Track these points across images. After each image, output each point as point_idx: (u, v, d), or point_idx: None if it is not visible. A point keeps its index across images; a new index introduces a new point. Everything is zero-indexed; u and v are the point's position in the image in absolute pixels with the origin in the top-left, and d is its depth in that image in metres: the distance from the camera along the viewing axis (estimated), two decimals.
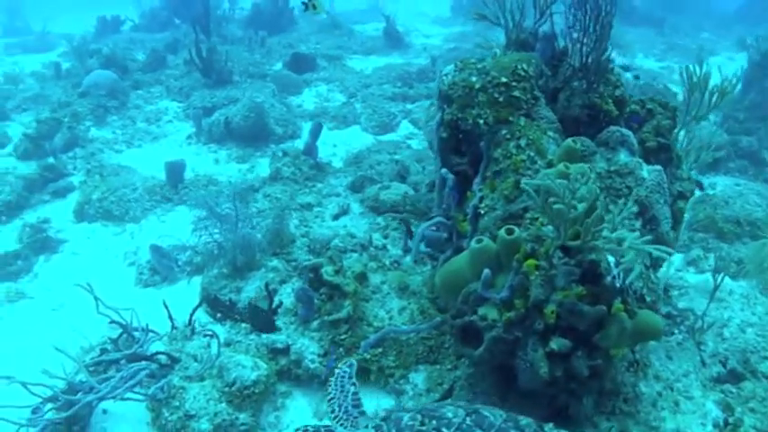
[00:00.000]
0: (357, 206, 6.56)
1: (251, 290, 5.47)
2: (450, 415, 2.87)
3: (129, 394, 4.47)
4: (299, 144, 8.40)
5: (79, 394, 4.45)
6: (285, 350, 4.81)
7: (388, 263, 5.41)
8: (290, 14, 16.18)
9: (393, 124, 9.57)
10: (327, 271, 5.03)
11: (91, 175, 7.91)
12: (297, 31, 15.73)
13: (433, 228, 5.23)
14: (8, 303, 6.00)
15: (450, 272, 4.15)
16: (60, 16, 20.54)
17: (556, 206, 3.51)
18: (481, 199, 4.71)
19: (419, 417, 2.92)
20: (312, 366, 4.66)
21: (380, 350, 4.54)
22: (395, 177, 7.19)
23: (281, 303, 5.20)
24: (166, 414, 4.37)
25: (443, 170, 5.15)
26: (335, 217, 6.43)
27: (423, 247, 5.40)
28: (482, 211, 4.64)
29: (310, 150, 8.07)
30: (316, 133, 8.30)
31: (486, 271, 3.86)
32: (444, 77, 5.06)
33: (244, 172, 8.31)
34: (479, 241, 4.00)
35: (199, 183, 7.87)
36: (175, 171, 7.90)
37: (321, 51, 13.08)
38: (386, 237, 5.85)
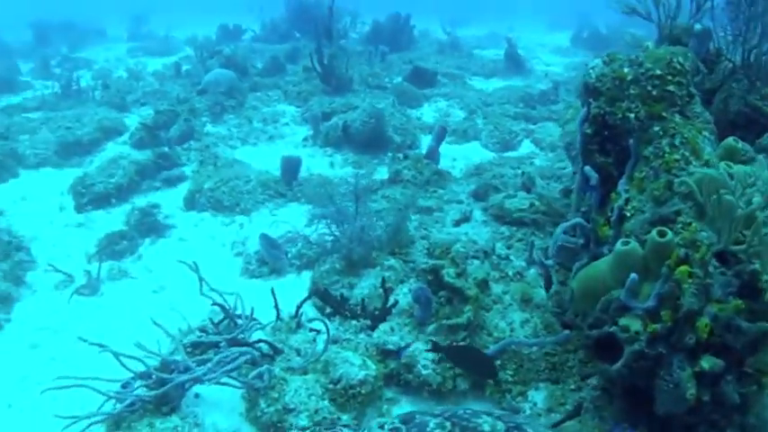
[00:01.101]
0: (480, 214, 6.78)
1: (365, 287, 5.58)
2: (487, 428, 2.75)
3: (225, 379, 4.48)
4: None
5: (173, 374, 4.50)
6: (397, 352, 4.77)
7: (510, 273, 5.54)
8: (410, 33, 17.39)
9: (514, 142, 9.86)
10: (449, 273, 5.03)
11: (204, 165, 8.52)
12: (417, 50, 16.87)
13: (570, 232, 5.02)
14: (110, 281, 6.44)
15: (589, 276, 4.19)
16: (184, 25, 22.32)
17: (725, 198, 3.45)
18: (627, 201, 4.55)
19: (448, 425, 2.80)
20: (425, 373, 4.58)
21: (499, 363, 4.51)
22: (520, 189, 7.28)
23: (396, 302, 5.23)
24: (263, 405, 4.35)
25: (586, 167, 4.98)
26: (456, 223, 6.64)
27: (550, 261, 5.30)
28: (627, 214, 4.46)
29: (432, 154, 8.21)
30: (440, 137, 8.43)
31: (634, 276, 3.67)
32: (591, 70, 4.99)
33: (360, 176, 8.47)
34: (625, 243, 3.87)
35: (314, 181, 8.14)
36: (291, 167, 8.19)
37: (441, 70, 13.75)
38: (509, 247, 6.02)
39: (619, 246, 3.89)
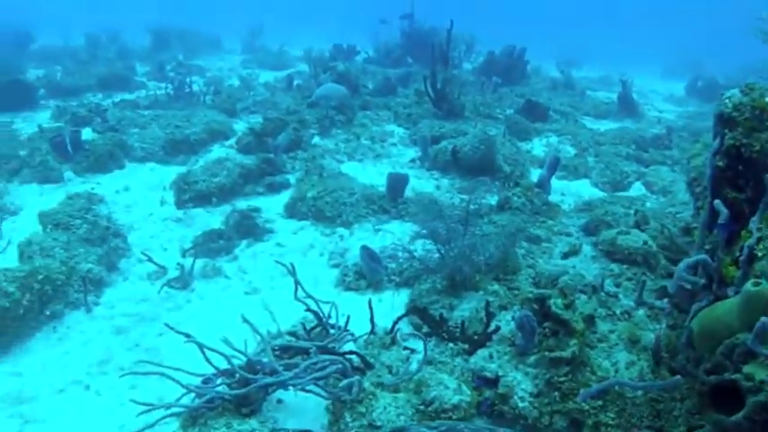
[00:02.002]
0: (589, 249, 6.79)
1: (465, 309, 5.60)
2: None
3: (310, 387, 4.47)
4: None
5: (258, 375, 4.54)
6: (494, 381, 4.71)
7: (618, 312, 5.48)
8: (524, 67, 18.11)
9: (625, 183, 10.05)
10: (557, 303, 4.96)
11: (309, 175, 8.84)
12: (529, 85, 17.58)
13: (689, 271, 4.81)
14: (203, 277, 6.70)
15: (711, 318, 4.04)
16: (297, 42, 23.19)
17: None
18: (759, 240, 4.31)
19: None
20: (521, 405, 4.51)
21: (600, 403, 4.42)
22: (632, 227, 7.15)
23: (498, 328, 5.18)
24: (348, 419, 4.32)
25: (716, 201, 4.77)
26: (565, 255, 6.69)
27: (663, 303, 5.24)
28: (759, 254, 4.25)
29: (544, 184, 8.28)
30: (553, 167, 8.52)
31: (764, 319, 3.45)
32: (727, 100, 4.85)
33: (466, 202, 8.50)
34: (756, 284, 3.69)
35: (419, 201, 8.17)
36: (398, 184, 8.32)
37: (553, 107, 14.56)
38: (618, 285, 5.99)
39: (748, 286, 3.72)
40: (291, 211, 8.05)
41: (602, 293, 5.75)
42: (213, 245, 7.09)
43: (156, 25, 22.98)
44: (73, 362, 5.46)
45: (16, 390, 5.11)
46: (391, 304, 5.97)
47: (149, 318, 6.02)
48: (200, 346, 4.54)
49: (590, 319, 5.08)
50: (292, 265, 5.40)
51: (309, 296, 5.29)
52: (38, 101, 13.54)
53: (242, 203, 8.22)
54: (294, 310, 5.70)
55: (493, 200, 8.14)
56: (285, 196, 8.43)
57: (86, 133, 10.19)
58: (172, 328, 4.67)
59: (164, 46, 21.79)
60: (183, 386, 4.45)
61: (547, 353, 4.73)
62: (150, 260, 6.76)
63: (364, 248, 6.48)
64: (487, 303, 5.27)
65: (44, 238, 6.80)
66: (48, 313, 5.94)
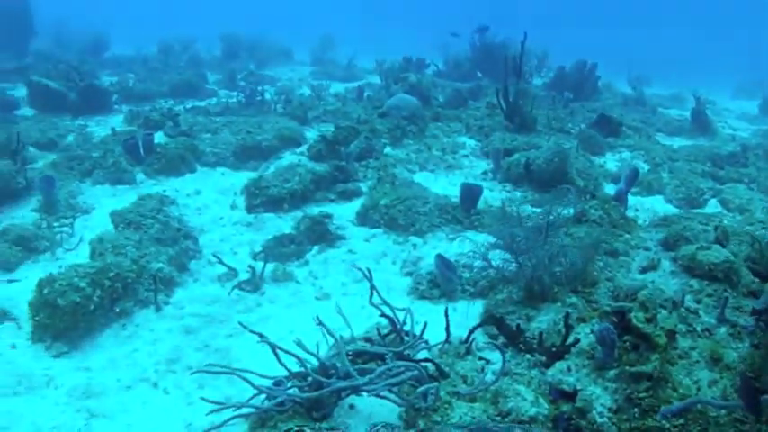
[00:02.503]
0: (668, 264, 6.69)
1: (543, 321, 5.58)
2: None
3: (384, 393, 4.45)
4: None
5: (332, 379, 4.54)
6: (571, 395, 4.63)
7: (698, 329, 5.40)
8: (595, 83, 18.32)
9: (700, 200, 10.03)
10: (638, 317, 4.90)
11: (381, 183, 8.97)
12: (600, 101, 17.77)
13: None
14: (273, 281, 6.82)
15: None
16: (365, 54, 23.49)
17: None
18: None
19: None
20: (599, 421, 4.40)
21: (682, 421, 4.31)
22: (712, 242, 6.98)
23: (577, 341, 5.09)
24: (422, 426, 4.29)
25: None
26: (643, 270, 6.66)
27: (748, 320, 5.12)
28: None
29: (621, 197, 8.22)
30: (631, 180, 8.47)
31: None
32: None
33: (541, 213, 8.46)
34: None
35: (492, 213, 8.27)
36: (471, 195, 8.37)
37: (626, 122, 14.47)
38: (698, 302, 5.89)
39: None
40: (363, 219, 8.19)
41: (683, 309, 5.66)
42: (284, 249, 7.21)
43: (228, 35, 23.59)
44: (141, 359, 5.59)
45: (84, 384, 5.26)
46: (465, 314, 5.94)
47: (219, 319, 6.13)
48: (273, 347, 4.57)
49: (671, 335, 4.98)
50: (368, 269, 5.43)
51: (385, 302, 5.29)
52: (111, 105, 14.05)
53: (313, 210, 8.34)
54: (365, 317, 5.75)
55: (569, 212, 8.07)
56: (357, 204, 8.57)
57: (158, 137, 10.48)
58: (246, 327, 4.73)
59: (234, 56, 22.36)
60: (254, 387, 4.48)
61: (627, 367, 4.64)
62: (221, 262, 6.90)
63: (439, 257, 6.48)
64: (567, 315, 5.19)
65: (116, 237, 7.01)
66: (117, 310, 6.12)
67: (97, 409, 4.95)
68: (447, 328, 5.32)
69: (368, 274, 5.39)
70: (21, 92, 14.83)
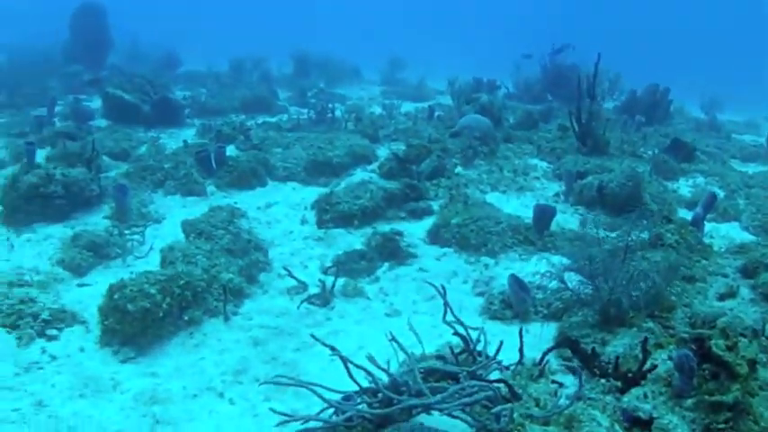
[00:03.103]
0: (747, 291, 6.61)
1: (618, 345, 5.44)
2: None
3: (457, 413, 4.38)
4: None
5: (403, 396, 4.50)
6: (647, 423, 4.48)
7: None
8: (667, 107, 18.36)
9: None
10: (718, 344, 4.74)
11: (453, 202, 9.02)
12: (672, 125, 17.85)
13: None
14: (343, 296, 6.86)
15: None
16: (435, 74, 23.62)
17: None
18: None
19: None
20: None
21: None
22: None
23: (654, 367, 4.94)
24: None
25: None
26: (721, 297, 6.56)
27: None
28: None
29: (698, 222, 8.12)
30: (709, 205, 8.41)
31: None
32: None
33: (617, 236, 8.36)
34: None
35: (565, 235, 8.26)
36: (545, 216, 8.35)
37: (699, 147, 14.31)
38: None
39: None
40: (435, 237, 8.24)
41: (763, 338, 5.46)
42: (355, 265, 7.27)
43: (298, 54, 24.07)
44: (208, 368, 5.65)
45: (150, 390, 5.34)
46: (538, 336, 5.85)
47: (287, 332, 6.17)
48: (345, 360, 4.56)
49: (752, 364, 4.79)
50: (443, 287, 5.39)
51: (458, 320, 5.24)
52: (183, 119, 14.48)
53: (384, 227, 8.44)
54: (436, 335, 5.73)
55: (644, 236, 7.94)
56: (428, 222, 8.64)
57: (230, 150, 10.70)
58: (317, 340, 4.73)
59: (305, 74, 22.79)
60: (323, 400, 4.46)
61: (706, 396, 4.50)
62: (291, 275, 6.97)
63: (513, 277, 6.42)
64: (645, 340, 5.05)
65: (187, 246, 7.15)
66: (186, 318, 6.21)
67: (162, 415, 5.01)
68: (520, 350, 5.24)
69: (442, 291, 5.35)
70: (96, 103, 15.38)
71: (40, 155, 10.26)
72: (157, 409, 5.11)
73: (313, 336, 4.79)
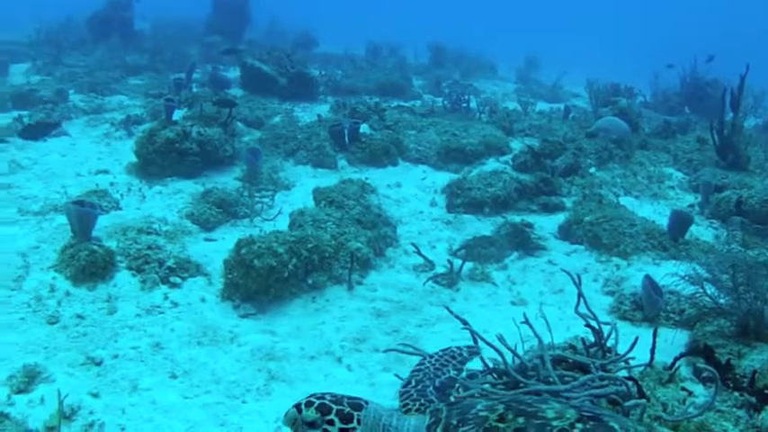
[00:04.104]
0: None
1: (756, 360, 5.18)
2: (551, 414, 2.41)
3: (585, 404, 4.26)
4: None
5: (531, 380, 4.41)
6: None
7: None
8: None
9: None
10: None
11: (587, 200, 8.95)
12: None
13: None
14: (469, 279, 6.83)
15: None
16: (571, 76, 23.20)
17: None
18: None
19: (501, 408, 2.48)
20: None
21: None
22: None
23: None
24: None
25: None
26: None
27: None
28: None
29: None
30: None
31: None
32: None
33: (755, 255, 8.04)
34: None
35: (699, 246, 8.00)
36: (682, 222, 8.11)
37: None
38: None
39: None
40: (566, 233, 8.19)
41: None
42: (483, 251, 7.22)
43: (435, 44, 24.16)
44: (328, 333, 5.72)
45: (268, 346, 5.46)
46: (669, 341, 5.66)
47: (410, 307, 6.17)
48: (476, 336, 4.50)
49: None
50: (579, 276, 5.24)
51: (591, 313, 5.08)
52: (317, 95, 14.79)
53: (514, 217, 8.41)
54: (563, 328, 5.61)
55: None
56: (559, 217, 8.60)
57: (363, 128, 10.80)
58: (451, 312, 4.68)
59: (440, 64, 22.85)
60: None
61: None
62: (419, 253, 6.97)
63: (648, 278, 6.21)
64: None
65: (317, 212, 7.26)
66: (310, 282, 6.30)
67: (278, 372, 5.10)
68: (652, 351, 5.05)
69: (577, 281, 5.20)
70: (232, 73, 15.91)
71: (177, 114, 10.68)
72: (273, 365, 5.20)
73: (447, 308, 4.75)
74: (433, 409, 2.85)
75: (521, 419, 2.46)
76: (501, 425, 2.44)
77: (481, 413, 2.54)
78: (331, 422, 2.61)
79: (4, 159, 9.33)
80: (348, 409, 2.71)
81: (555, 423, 2.41)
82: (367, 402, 2.82)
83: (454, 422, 2.56)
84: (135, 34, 21.01)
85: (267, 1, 25.31)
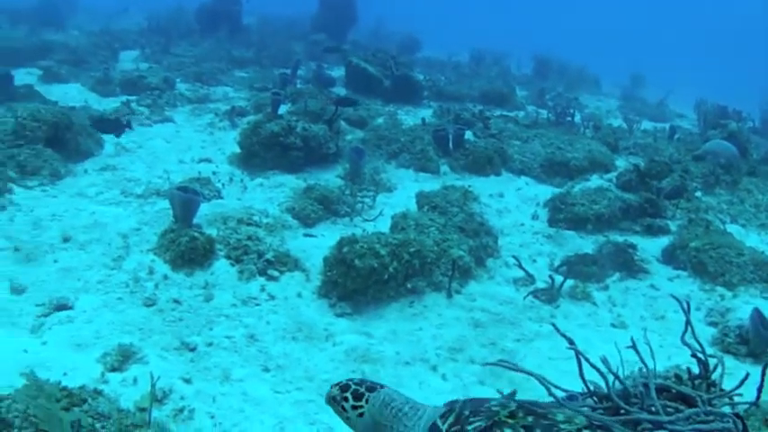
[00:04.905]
0: None
1: None
2: (560, 417, 2.54)
3: None
4: None
5: (633, 408, 4.26)
6: None
7: None
8: None
9: None
10: None
11: (693, 225, 8.67)
12: None
13: None
14: (570, 298, 6.71)
15: None
16: (678, 96, 22.55)
17: None
18: None
19: (513, 405, 2.61)
20: None
21: None
22: None
23: None
24: None
25: None
26: None
27: None
28: None
29: None
30: None
31: None
32: None
33: None
34: None
35: None
36: None
37: None
38: None
39: None
40: (669, 257, 7.96)
41: None
42: (585, 269, 7.08)
43: (540, 56, 23.91)
44: (424, 340, 5.68)
45: (363, 348, 5.46)
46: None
47: (509, 320, 6.09)
48: (580, 356, 4.37)
49: None
50: (687, 301, 5.05)
51: (699, 344, 4.89)
52: (421, 99, 14.77)
53: (617, 236, 8.23)
54: (663, 357, 5.40)
55: None
56: (663, 241, 8.32)
57: (467, 135, 10.75)
58: (557, 330, 4.55)
59: (544, 76, 22.57)
60: (550, 393, 4.30)
61: None
62: (520, 266, 6.88)
63: (757, 311, 5.96)
64: None
65: (420, 216, 7.22)
66: (409, 286, 6.27)
67: (372, 375, 5.08)
68: (759, 389, 4.81)
69: (686, 308, 5.02)
70: (336, 72, 16.05)
71: (282, 109, 10.84)
72: (367, 368, 5.19)
73: (554, 325, 4.62)
74: (450, 400, 2.95)
75: (530, 418, 2.53)
76: (510, 420, 2.51)
77: (494, 408, 2.60)
78: (345, 399, 2.98)
79: (111, 141, 9.64)
80: (362, 390, 3.04)
81: (563, 426, 2.49)
82: (382, 386, 3.09)
83: (467, 413, 2.63)
84: (242, 28, 21.46)
85: (374, 3, 25.58)
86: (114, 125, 9.43)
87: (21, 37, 16.11)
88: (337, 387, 3.09)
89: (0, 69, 11.42)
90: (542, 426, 2.47)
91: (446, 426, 2.62)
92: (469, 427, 2.51)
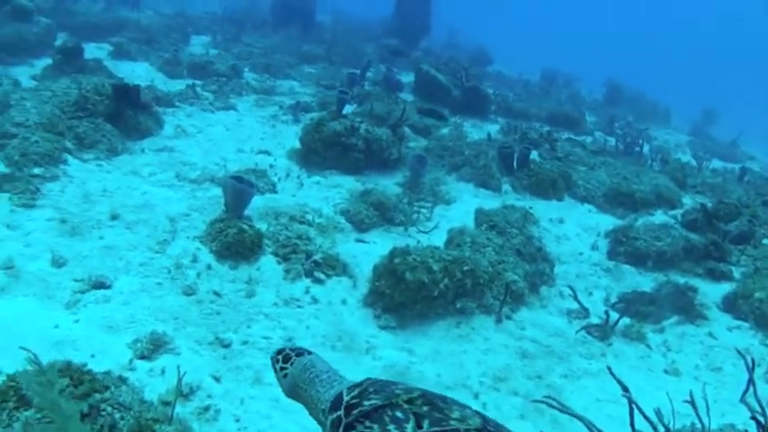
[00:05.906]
0: None
1: None
2: (455, 414, 2.45)
3: None
4: None
5: None
6: None
7: None
8: None
9: None
10: None
11: (759, 274, 8.20)
12: None
13: None
14: (623, 337, 6.38)
15: None
16: (749, 136, 21.99)
17: None
18: None
19: (417, 394, 2.52)
20: None
21: None
22: None
23: None
24: None
25: None
26: None
27: None
28: None
29: None
30: None
31: None
32: None
33: None
34: None
35: None
36: None
37: None
38: None
39: None
40: (730, 305, 7.54)
41: None
42: (642, 308, 6.76)
43: (612, 83, 23.52)
44: (468, 364, 5.43)
45: (403, 365, 5.24)
46: None
47: (558, 354, 5.81)
48: (633, 404, 4.11)
49: None
50: (753, 359, 4.73)
51: (760, 405, 4.57)
52: (488, 113, 14.55)
53: (677, 277, 7.81)
54: (718, 412, 5.05)
55: None
56: (725, 287, 7.90)
57: (533, 155, 10.48)
58: (613, 375, 4.29)
59: (614, 103, 22.16)
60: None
61: None
62: (575, 298, 6.57)
63: None
64: None
65: (478, 234, 6.97)
66: (458, 306, 6.02)
67: None
68: None
69: (750, 365, 4.69)
70: (406, 77, 15.88)
71: (347, 109, 10.68)
72: None
73: (609, 369, 4.35)
74: (366, 377, 2.88)
75: (425, 408, 2.49)
76: (405, 405, 2.49)
77: (396, 391, 2.58)
78: (277, 360, 3.06)
79: (171, 123, 9.60)
80: (291, 354, 3.08)
81: (453, 423, 2.42)
82: (310, 353, 3.09)
83: (371, 389, 2.63)
84: (315, 24, 21.46)
85: (449, 14, 25.41)
86: (133, 97, 9.23)
87: (97, 12, 16.27)
88: (276, 351, 3.19)
89: (71, 41, 11.50)
90: (433, 417, 2.43)
91: (349, 397, 2.63)
92: (366, 402, 2.52)
